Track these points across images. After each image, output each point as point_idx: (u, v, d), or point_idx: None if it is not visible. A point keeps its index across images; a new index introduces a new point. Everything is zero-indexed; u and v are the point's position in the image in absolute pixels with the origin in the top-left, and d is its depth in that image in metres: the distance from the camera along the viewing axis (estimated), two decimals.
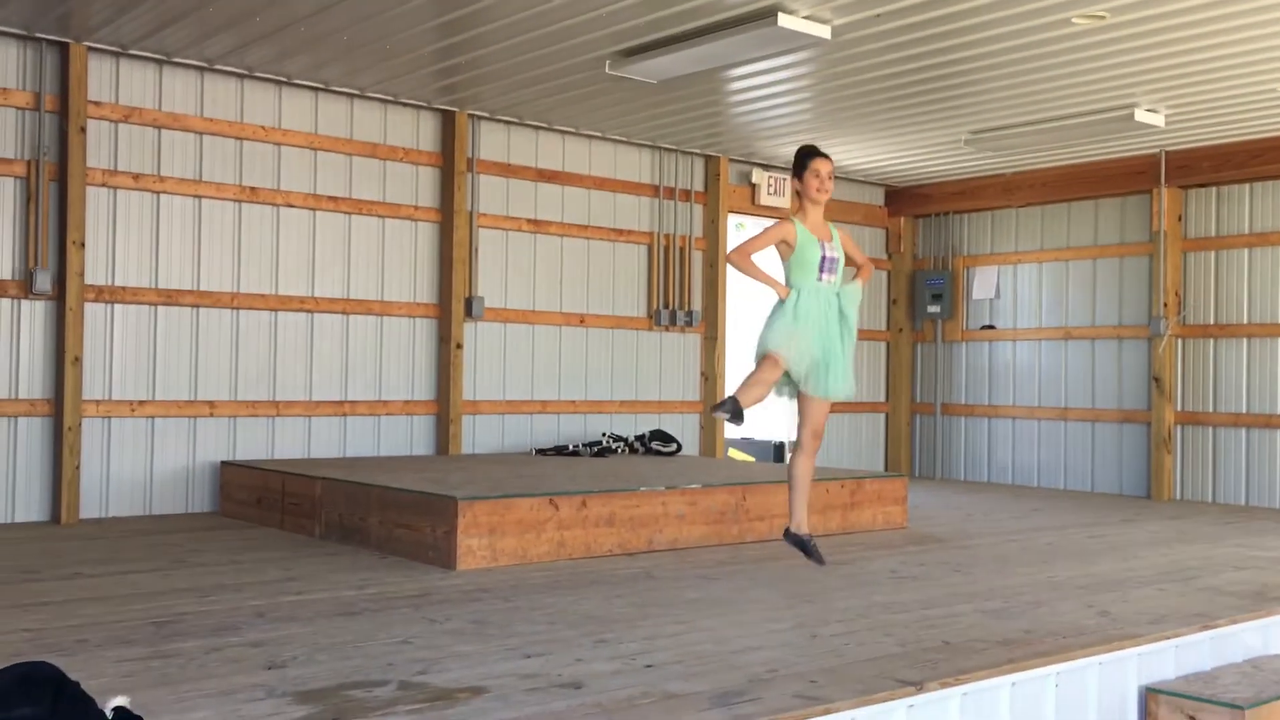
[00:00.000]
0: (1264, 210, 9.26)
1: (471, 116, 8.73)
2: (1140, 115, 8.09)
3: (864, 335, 11.37)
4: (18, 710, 2.15)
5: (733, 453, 10.79)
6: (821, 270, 5.40)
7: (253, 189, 7.86)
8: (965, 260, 11.28)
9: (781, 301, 5.40)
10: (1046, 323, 10.67)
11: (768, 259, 5.52)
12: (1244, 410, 9.31)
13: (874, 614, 4.63)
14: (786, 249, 5.43)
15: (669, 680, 3.54)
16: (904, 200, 11.50)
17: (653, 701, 3.30)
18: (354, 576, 5.35)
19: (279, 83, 7.92)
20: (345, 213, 8.28)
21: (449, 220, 8.65)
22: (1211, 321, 9.54)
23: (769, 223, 10.83)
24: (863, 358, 11.40)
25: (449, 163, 8.65)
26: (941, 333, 11.41)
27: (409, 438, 8.56)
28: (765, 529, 6.62)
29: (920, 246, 11.68)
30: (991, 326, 11.07)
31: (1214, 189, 9.53)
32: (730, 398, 5.26)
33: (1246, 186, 9.33)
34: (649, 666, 3.71)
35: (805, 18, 6.23)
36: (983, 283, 11.14)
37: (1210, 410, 9.52)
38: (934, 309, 11.34)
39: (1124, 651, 4.19)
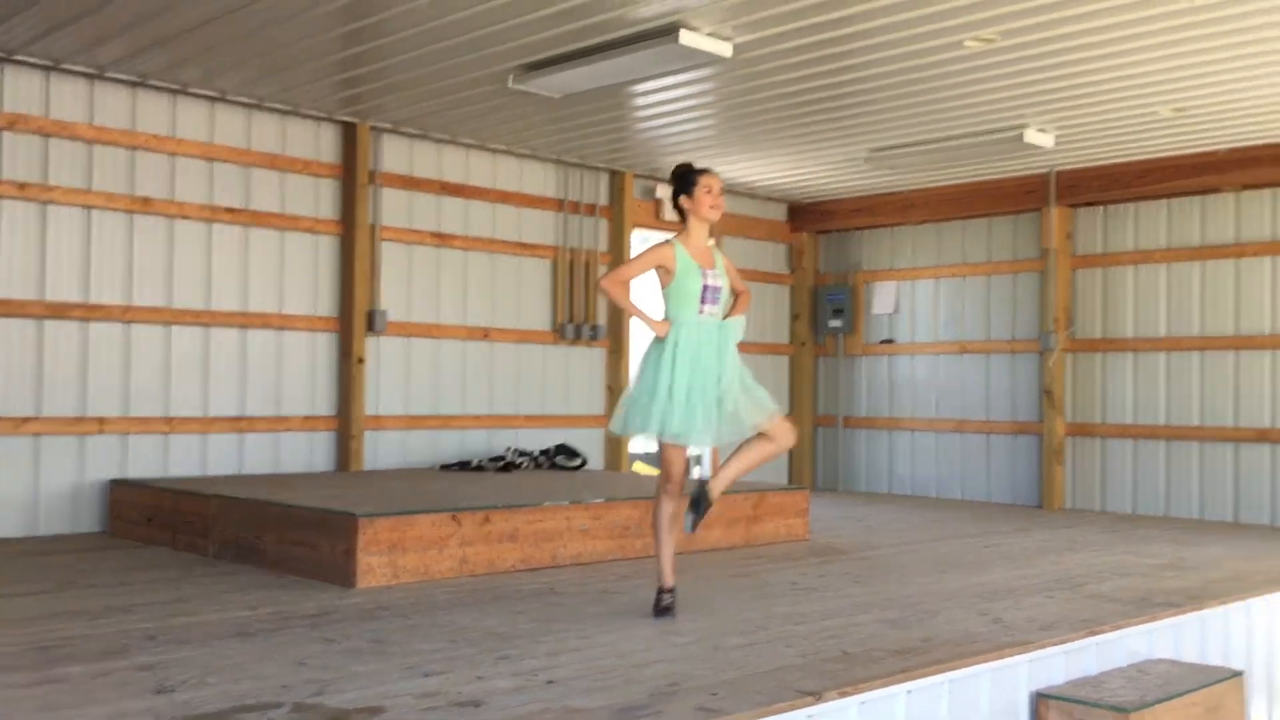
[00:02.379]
0: (1148, 229, 9.62)
1: (374, 129, 8.64)
2: (1030, 136, 8.34)
3: (767, 350, 11.52)
4: None
5: (638, 466, 10.81)
6: (704, 301, 4.78)
7: (146, 199, 7.65)
8: (865, 276, 11.50)
9: (659, 342, 4.77)
10: (943, 337, 10.91)
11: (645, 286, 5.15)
12: (1130, 421, 9.63)
13: (774, 625, 4.67)
14: (666, 275, 4.80)
15: (570, 696, 3.52)
16: (806, 216, 11.67)
17: (553, 717, 3.28)
18: (249, 597, 5.23)
19: (173, 91, 7.73)
20: (243, 224, 8.11)
21: (351, 233, 8.53)
22: (1099, 336, 9.86)
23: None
24: (766, 371, 11.52)
25: (350, 175, 8.53)
26: (843, 347, 11.60)
27: (309, 454, 8.40)
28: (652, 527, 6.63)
29: (822, 262, 11.86)
30: (891, 341, 11.29)
31: (1101, 208, 9.86)
32: (667, 595, 4.79)
33: (1132, 206, 9.68)
34: (550, 683, 3.69)
35: (707, 35, 6.30)
36: (882, 298, 11.36)
37: (1099, 422, 9.83)
38: (835, 323, 11.52)
39: (1015, 658, 4.30)
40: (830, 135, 8.78)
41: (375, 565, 5.52)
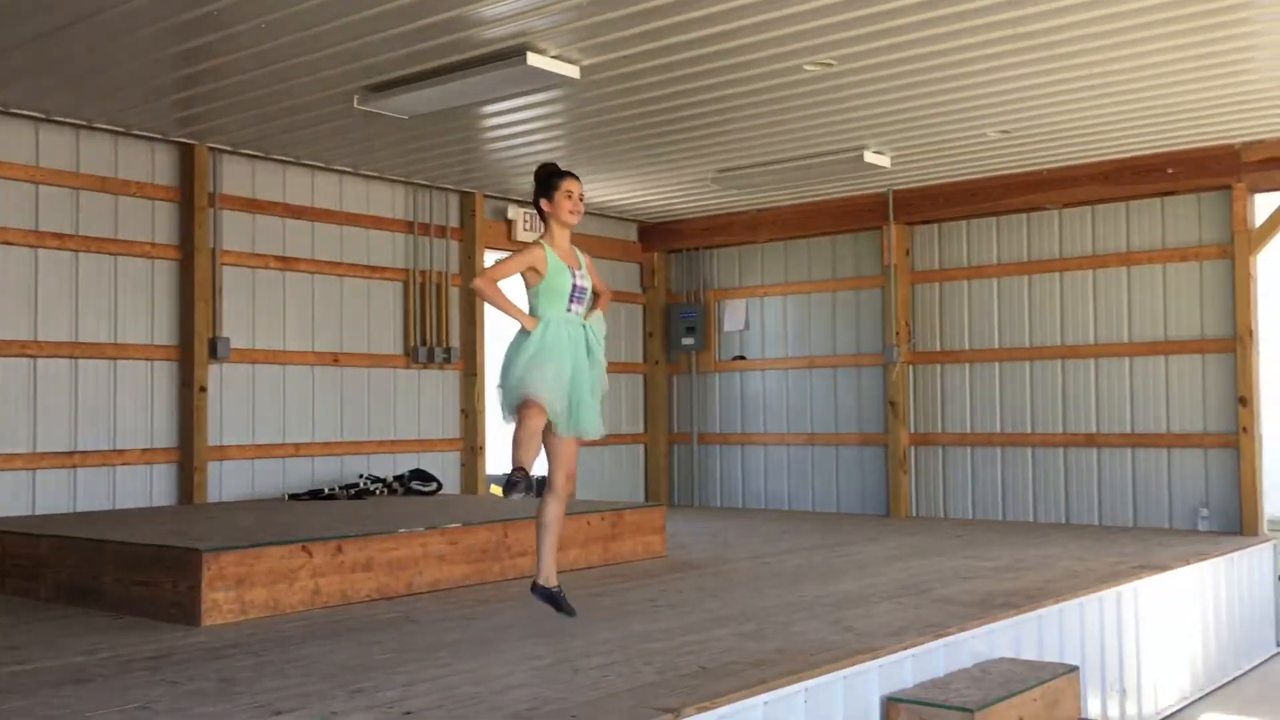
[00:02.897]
0: (980, 245, 10.05)
1: (212, 150, 8.38)
2: (869, 157, 8.64)
3: (621, 368, 11.59)
4: None
5: (494, 489, 10.72)
6: (571, 300, 5.03)
7: None
8: (716, 293, 11.69)
9: (525, 334, 4.98)
10: (792, 353, 11.18)
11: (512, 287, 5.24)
12: (968, 430, 10.04)
13: (633, 644, 4.69)
14: (535, 276, 5.01)
15: None
16: (657, 235, 11.81)
17: None
18: (85, 641, 4.98)
19: None
20: (73, 250, 7.76)
21: (190, 258, 8.25)
22: (938, 348, 10.25)
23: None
24: (620, 390, 11.60)
25: (189, 198, 8.26)
26: (696, 364, 11.76)
27: (149, 488, 8.07)
28: (528, 564, 6.60)
29: (673, 280, 12.02)
30: (742, 357, 11.50)
31: (936, 225, 10.27)
32: (518, 473, 4.82)
33: (964, 223, 10.10)
34: (407, 714, 3.63)
35: (554, 57, 6.33)
36: (733, 315, 11.57)
37: (939, 431, 10.21)
38: (688, 341, 11.68)
39: (866, 664, 4.42)
40: (678, 156, 8.92)
41: (221, 601, 5.33)
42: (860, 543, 8.28)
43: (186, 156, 8.28)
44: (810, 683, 4.15)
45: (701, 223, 11.45)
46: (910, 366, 10.38)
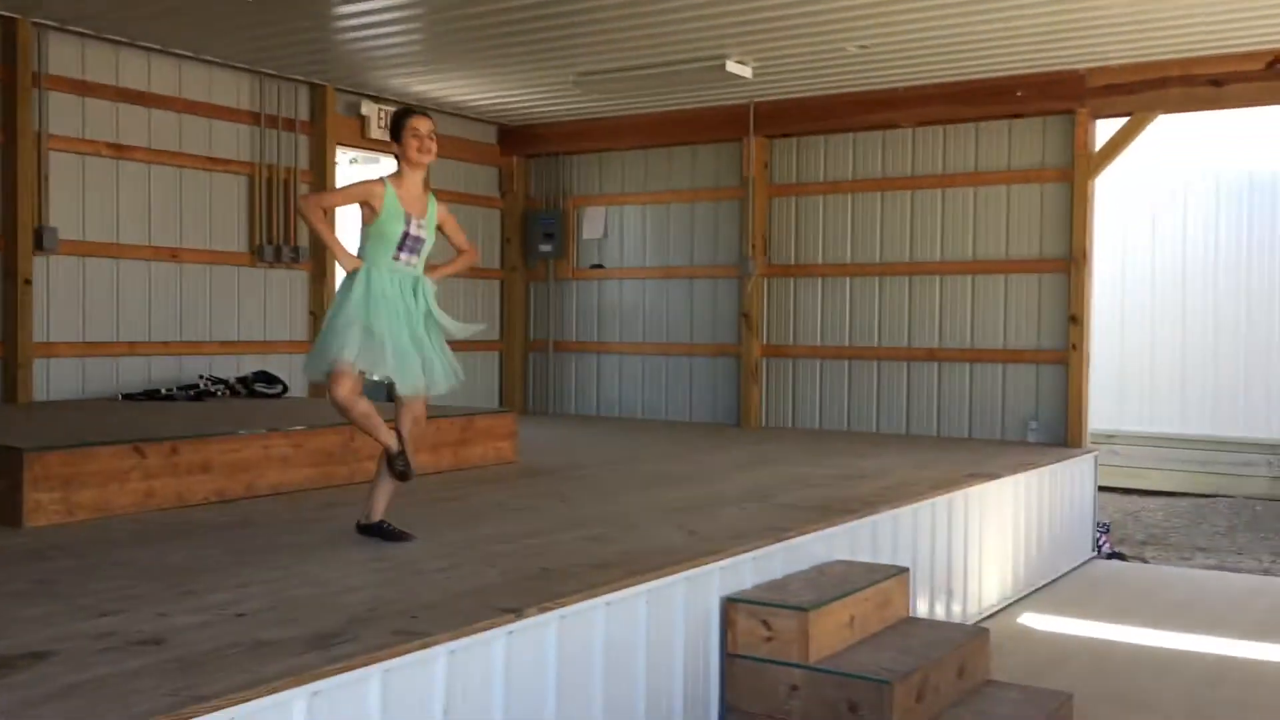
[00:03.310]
0: (836, 161, 10.17)
1: (37, 25, 7.81)
2: (731, 66, 8.59)
3: (479, 275, 11.42)
4: None
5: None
6: (401, 249, 4.62)
7: None
8: (575, 201, 11.57)
9: (350, 278, 4.59)
10: (650, 263, 11.18)
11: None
12: (819, 343, 10.25)
13: (479, 546, 4.68)
14: (369, 213, 4.62)
15: (261, 628, 3.39)
16: (517, 140, 11.58)
17: (242, 651, 3.15)
18: None
19: None
20: None
21: (12, 142, 7.72)
22: (793, 262, 10.39)
23: (373, 158, 10.64)
24: (478, 296, 11.46)
25: (10, 77, 7.70)
26: (554, 271, 11.67)
27: None
28: (375, 469, 6.49)
29: (533, 186, 11.83)
30: (600, 265, 11.45)
31: (795, 139, 10.33)
32: (398, 460, 4.66)
33: (822, 138, 10.19)
34: (240, 616, 3.54)
35: None
36: (592, 223, 11.48)
37: (791, 344, 10.40)
38: (546, 248, 11.56)
39: (708, 566, 4.51)
40: (539, 56, 8.71)
41: (45, 502, 5.09)
42: (710, 451, 8.42)
43: (9, 31, 7.69)
44: (652, 584, 4.21)
45: (563, 128, 11.26)
46: (765, 279, 10.50)
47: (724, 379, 10.74)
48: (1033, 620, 6.89)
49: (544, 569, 4.25)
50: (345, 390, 4.53)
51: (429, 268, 4.80)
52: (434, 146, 4.74)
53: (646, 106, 10.46)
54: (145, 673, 2.94)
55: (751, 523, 5.30)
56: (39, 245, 7.84)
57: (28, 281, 7.76)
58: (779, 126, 10.19)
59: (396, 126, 4.74)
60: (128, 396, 8.17)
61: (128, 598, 3.77)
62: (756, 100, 10.05)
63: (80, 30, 8.01)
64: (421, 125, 4.71)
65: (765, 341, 10.51)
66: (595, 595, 3.93)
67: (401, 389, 4.66)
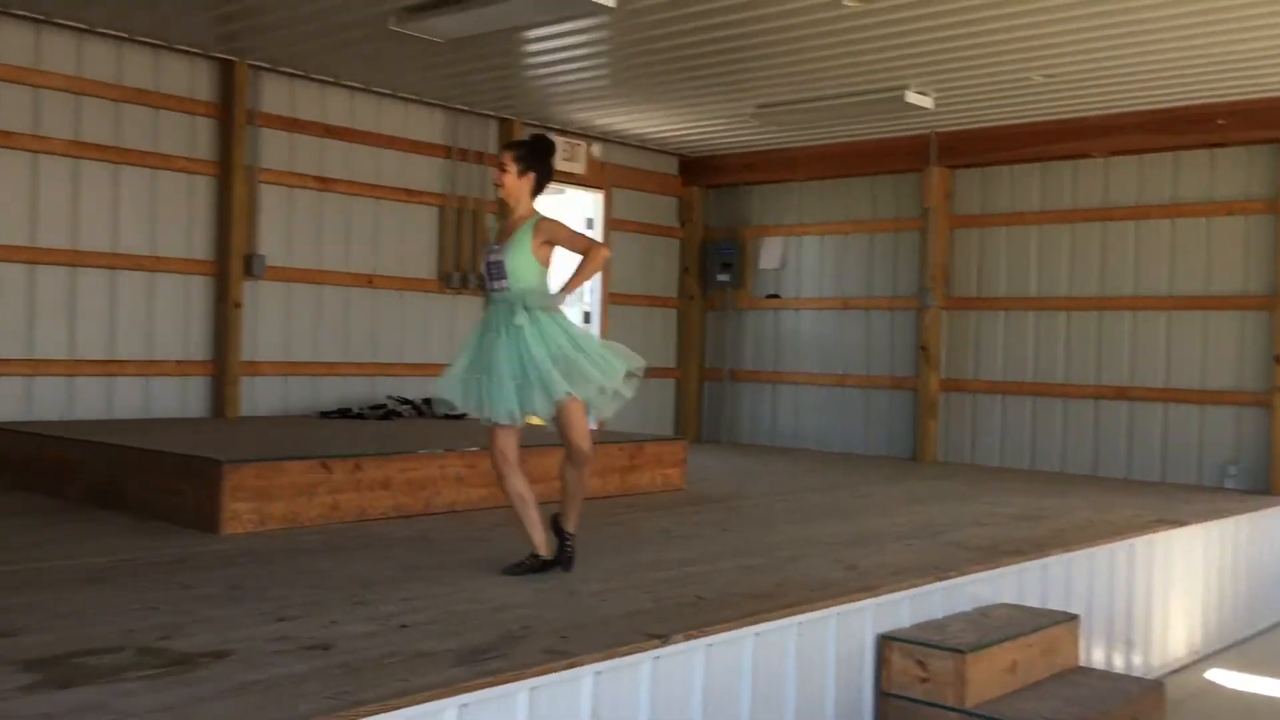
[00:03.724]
0: (1022, 191, 9.90)
1: (253, 67, 8.42)
2: (910, 97, 8.50)
3: (657, 302, 11.62)
4: None
5: (531, 418, 10.81)
6: (489, 278, 4.60)
7: (7, 133, 7.36)
8: (753, 231, 11.62)
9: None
10: (826, 293, 11.12)
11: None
12: (1000, 378, 9.96)
13: (636, 572, 4.77)
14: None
15: (421, 640, 3.56)
16: (697, 170, 11.74)
17: (400, 661, 3.32)
18: (108, 543, 5.14)
19: (37, 21, 7.43)
20: (113, 162, 7.86)
21: (228, 174, 8.34)
22: (974, 294, 10.14)
23: (559, 189, 10.97)
24: (655, 324, 11.64)
25: (228, 114, 8.32)
26: (731, 301, 11.74)
27: (183, 399, 8.25)
28: (544, 491, 6.66)
29: (711, 216, 11.95)
30: (776, 296, 11.45)
31: (979, 169, 10.10)
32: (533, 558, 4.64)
33: (1007, 168, 9.93)
34: (404, 627, 3.73)
35: None
36: (769, 253, 11.51)
37: (971, 378, 10.14)
38: (724, 277, 11.64)
39: (862, 602, 4.47)
40: (719, 90, 8.82)
41: (241, 512, 5.47)
42: (881, 485, 8.30)
43: (227, 72, 8.32)
44: (804, 617, 4.20)
45: (741, 158, 11.35)
46: (945, 312, 10.28)
47: (900, 412, 10.56)
48: (1221, 677, 6.50)
49: (698, 597, 4.30)
50: (496, 447, 4.66)
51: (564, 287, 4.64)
52: (500, 178, 4.64)
53: (826, 137, 10.44)
54: (312, 676, 3.14)
55: (913, 560, 5.21)
56: (248, 271, 8.42)
57: (237, 305, 8.35)
58: (961, 156, 9.99)
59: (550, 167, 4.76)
60: (323, 414, 8.67)
61: (305, 605, 4.02)
62: (938, 130, 9.89)
63: (291, 71, 8.60)
64: (501, 158, 4.69)
65: (944, 375, 10.29)
66: (744, 625, 3.95)
67: (496, 417, 4.58)
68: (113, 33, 7.71)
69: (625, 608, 4.09)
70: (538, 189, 4.69)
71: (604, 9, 6.46)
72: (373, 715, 2.89)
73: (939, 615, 4.84)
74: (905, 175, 10.49)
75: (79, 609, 3.87)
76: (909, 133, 10.05)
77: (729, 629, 3.90)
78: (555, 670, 3.34)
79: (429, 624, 3.78)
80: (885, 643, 4.51)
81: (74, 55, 7.66)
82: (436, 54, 7.96)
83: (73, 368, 7.70)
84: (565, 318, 4.65)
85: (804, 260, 11.29)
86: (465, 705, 3.11)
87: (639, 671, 3.60)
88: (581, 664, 3.41)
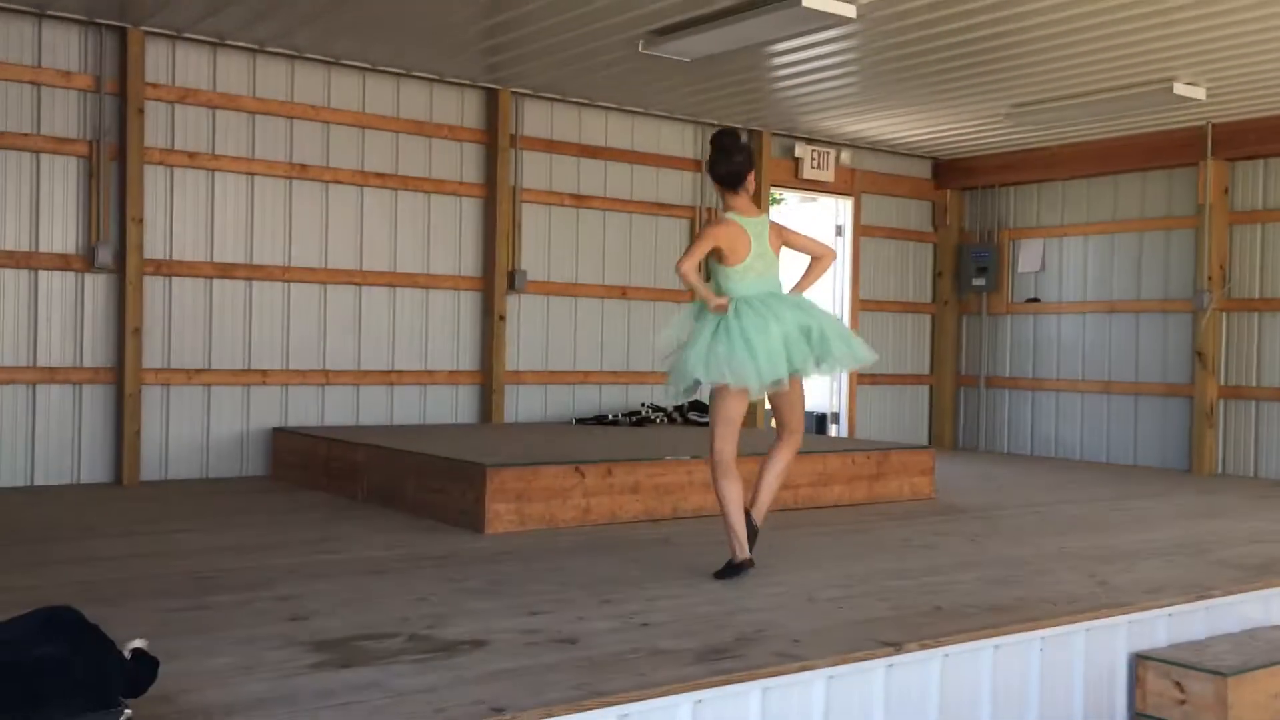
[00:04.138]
0: None
1: (515, 94, 8.95)
2: (1180, 89, 8.05)
3: (910, 308, 11.47)
4: (41, 649, 2.42)
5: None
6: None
7: (303, 166, 8.16)
8: (1011, 233, 11.27)
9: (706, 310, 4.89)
10: (1091, 296, 10.64)
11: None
12: None
13: (875, 580, 4.80)
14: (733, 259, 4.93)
15: (661, 638, 3.75)
16: (951, 173, 11.50)
17: (640, 656, 3.52)
18: (387, 538, 5.65)
19: (328, 63, 8.20)
20: (392, 188, 8.56)
21: (493, 195, 8.89)
22: (1256, 295, 9.46)
23: (809, 197, 11.03)
24: (907, 330, 11.50)
25: (493, 139, 8.88)
26: (987, 305, 11.43)
27: (454, 406, 8.86)
28: (789, 497, 6.79)
29: (967, 219, 11.67)
30: (1036, 300, 11.06)
31: (1262, 161, 9.41)
32: (737, 563, 4.72)
33: None
34: (645, 625, 3.93)
35: None
36: (1028, 256, 11.13)
37: (1254, 384, 9.46)
38: (979, 282, 11.35)
39: (1113, 619, 4.32)
40: (971, 91, 8.64)
41: (502, 512, 5.86)
42: (1147, 497, 7.89)
43: (492, 101, 8.89)
44: (1048, 632, 4.12)
45: (997, 159, 11.03)
46: (1223, 314, 9.64)
47: (1174, 421, 9.97)
48: None
49: (936, 607, 4.29)
50: (722, 449, 4.82)
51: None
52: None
53: (1087, 134, 10.01)
54: (559, 667, 3.39)
55: (1174, 577, 4.97)
56: (511, 285, 8.96)
57: (502, 318, 8.89)
58: (1241, 148, 9.34)
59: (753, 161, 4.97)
60: (580, 420, 9.09)
61: (557, 601, 4.30)
62: (1214, 121, 9.29)
63: (549, 95, 9.08)
64: None
65: (1223, 381, 9.63)
66: (983, 637, 3.92)
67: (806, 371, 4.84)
68: (392, 70, 8.40)
69: (861, 615, 4.14)
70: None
71: (843, 20, 6.51)
72: (612, 706, 3.10)
73: (1201, 636, 4.61)
74: (1177, 170, 9.91)
75: (361, 597, 4.30)
76: (1181, 125, 9.50)
77: (966, 640, 3.88)
78: (788, 672, 3.45)
79: (669, 623, 3.97)
80: (1140, 662, 4.34)
81: (359, 92, 8.40)
82: (685, 72, 8.21)
83: (359, 377, 8.43)
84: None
85: (1066, 262, 10.84)
86: (700, 701, 3.27)
87: (872, 678, 3.65)
88: (813, 667, 3.50)
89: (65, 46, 7.35)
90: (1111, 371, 10.44)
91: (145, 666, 2.70)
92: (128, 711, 2.52)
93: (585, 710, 3.05)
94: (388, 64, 8.31)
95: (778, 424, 5.08)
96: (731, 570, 4.76)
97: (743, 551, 4.79)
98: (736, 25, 6.68)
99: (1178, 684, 4.23)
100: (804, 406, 5.03)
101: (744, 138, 4.98)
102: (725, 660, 3.49)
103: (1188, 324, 9.86)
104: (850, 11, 6.43)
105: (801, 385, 4.96)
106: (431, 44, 7.76)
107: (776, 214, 10.67)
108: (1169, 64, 7.65)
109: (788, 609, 4.23)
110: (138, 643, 2.73)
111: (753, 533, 4.88)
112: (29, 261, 7.24)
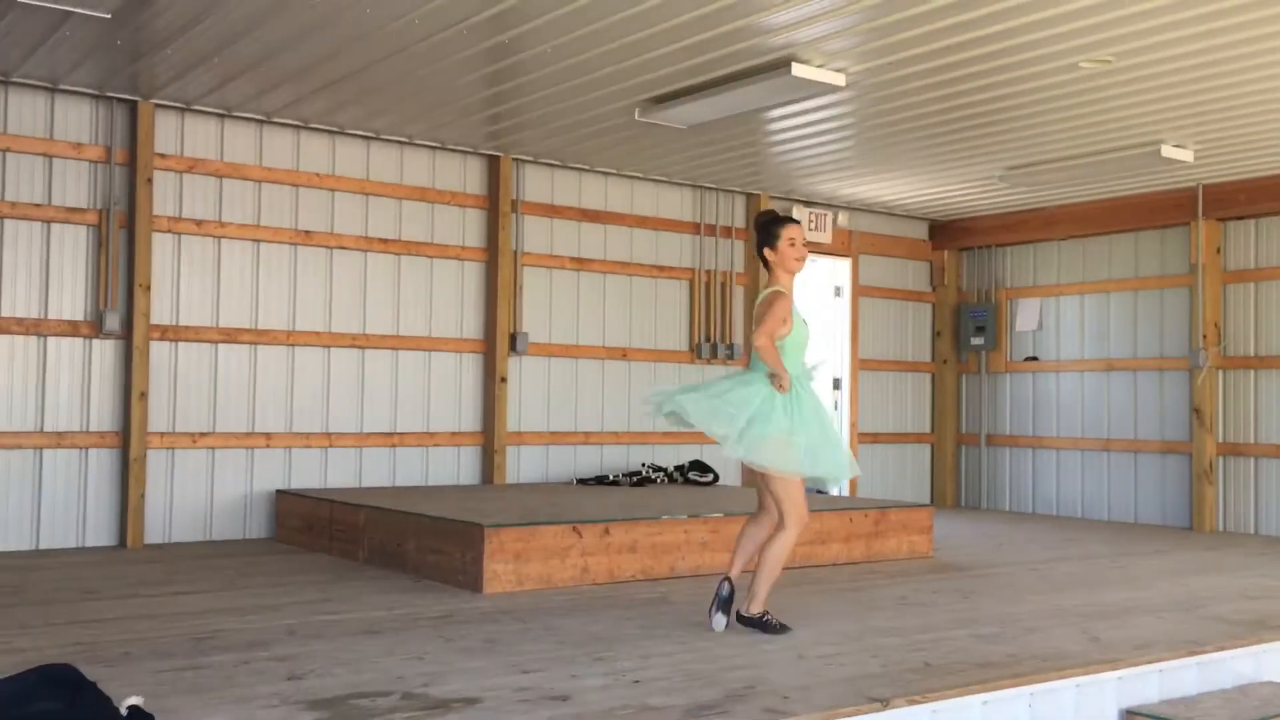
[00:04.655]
0: None
1: (516, 160, 9.14)
2: (1167, 151, 8.20)
3: (909, 367, 11.56)
4: (38, 704, 2.50)
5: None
6: (806, 351, 4.99)
7: (307, 232, 8.34)
8: (1008, 292, 11.39)
9: (769, 393, 4.78)
10: (1089, 354, 10.73)
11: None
12: None
13: (867, 638, 4.84)
14: (784, 329, 4.83)
15: (651, 695, 3.81)
16: (947, 234, 11.66)
17: (630, 713, 3.57)
18: (387, 598, 5.70)
19: (332, 133, 8.40)
20: (395, 253, 8.72)
21: (494, 259, 9.05)
22: (1251, 353, 9.54)
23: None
24: (908, 389, 11.58)
25: (494, 204, 9.06)
26: (986, 364, 11.51)
27: (456, 468, 8.94)
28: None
29: (964, 279, 11.80)
30: (1035, 358, 11.15)
31: (1253, 221, 9.55)
32: (762, 620, 4.86)
33: None
34: (636, 682, 3.99)
35: (819, 66, 6.51)
36: (1025, 314, 11.24)
37: (1252, 441, 9.50)
38: (978, 340, 11.45)
39: (1103, 675, 4.36)
40: (965, 154, 8.80)
41: (501, 572, 5.92)
42: (1146, 555, 7.92)
43: (493, 167, 9.08)
44: (1037, 687, 4.16)
45: (994, 220, 11.19)
46: (1220, 371, 9.71)
47: (1173, 478, 10.00)
48: None
49: (926, 664, 4.34)
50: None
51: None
52: (806, 253, 4.99)
53: (1080, 195, 10.17)
54: None
55: (1166, 633, 5.01)
56: (513, 348, 9.08)
57: (503, 379, 9.01)
58: (1231, 209, 9.48)
59: (769, 234, 4.94)
60: (581, 481, 9.16)
61: (551, 659, 4.36)
62: (1204, 182, 9.44)
63: (549, 161, 9.27)
64: (798, 234, 4.96)
65: (1221, 439, 9.68)
66: (970, 693, 3.96)
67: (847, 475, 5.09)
68: (396, 138, 8.60)
69: (850, 671, 4.19)
70: None
71: (833, 88, 6.68)
72: None
73: (1193, 692, 4.64)
74: (1169, 230, 10.05)
75: (358, 657, 4.35)
76: (1171, 186, 9.65)
77: (955, 695, 3.92)
78: None
79: (660, 680, 4.02)
80: (1130, 717, 4.37)
81: (363, 161, 8.59)
82: (682, 138, 8.39)
83: (361, 440, 8.52)
84: None
85: (1063, 321, 10.95)
86: None
87: None
88: None
89: (77, 119, 7.56)
90: (1111, 429, 10.50)
91: None
92: None
93: None
94: (391, 133, 8.51)
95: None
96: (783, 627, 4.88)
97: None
98: (729, 93, 6.86)
99: None
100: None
101: (765, 217, 5.05)
102: (713, 717, 3.54)
103: (1184, 381, 9.93)
104: (840, 80, 6.61)
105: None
106: (434, 113, 7.95)
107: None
108: (1156, 127, 7.81)
109: (777, 666, 4.27)
110: (133, 699, 2.80)
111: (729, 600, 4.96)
112: (38, 328, 7.39)
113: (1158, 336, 10.20)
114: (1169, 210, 9.88)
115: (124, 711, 2.74)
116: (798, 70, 6.42)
